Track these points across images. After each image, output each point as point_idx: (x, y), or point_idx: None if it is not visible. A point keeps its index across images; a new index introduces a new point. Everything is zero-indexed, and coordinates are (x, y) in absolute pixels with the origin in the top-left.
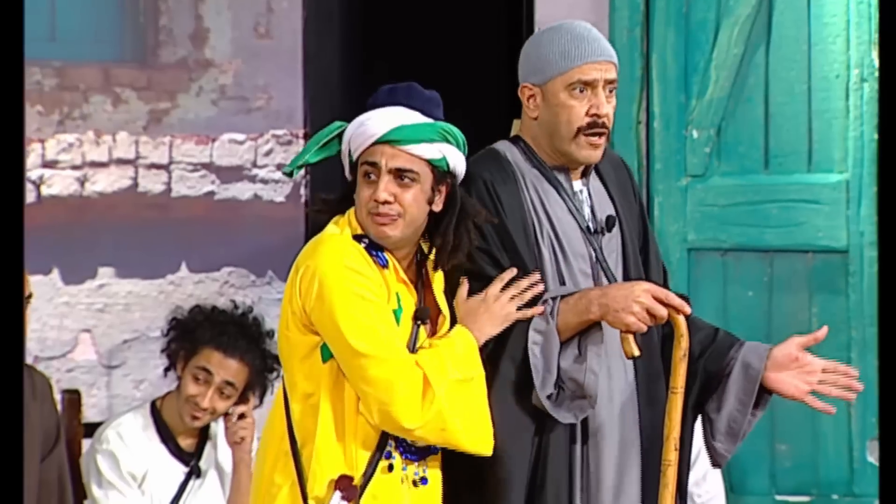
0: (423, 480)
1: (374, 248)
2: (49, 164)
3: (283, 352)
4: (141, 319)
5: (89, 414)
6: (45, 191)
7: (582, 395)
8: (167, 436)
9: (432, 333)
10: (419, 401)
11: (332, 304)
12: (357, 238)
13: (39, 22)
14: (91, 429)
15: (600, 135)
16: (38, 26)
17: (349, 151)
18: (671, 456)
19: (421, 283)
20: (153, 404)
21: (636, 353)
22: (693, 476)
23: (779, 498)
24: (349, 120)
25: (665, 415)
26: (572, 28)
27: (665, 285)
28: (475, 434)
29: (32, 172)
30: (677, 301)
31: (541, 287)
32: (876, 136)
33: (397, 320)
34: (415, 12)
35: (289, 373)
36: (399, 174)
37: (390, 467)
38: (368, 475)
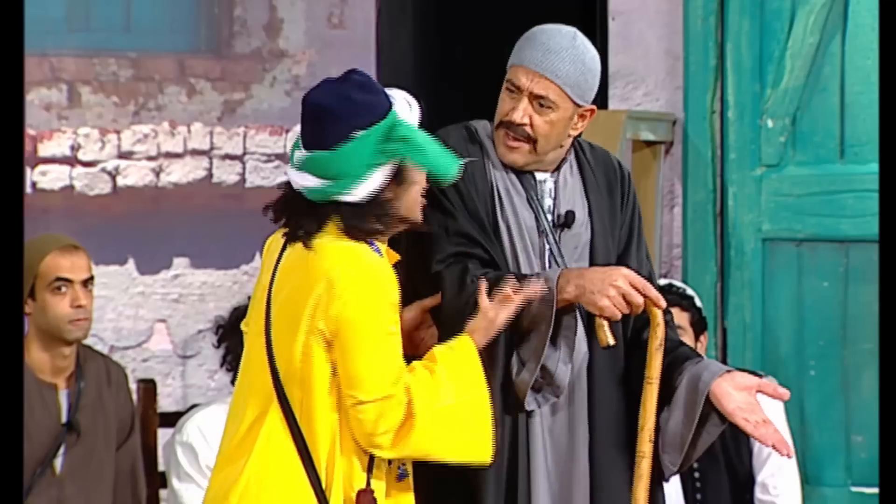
0: (403, 475)
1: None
2: (124, 155)
3: (296, 374)
4: (215, 309)
5: (164, 403)
6: (120, 182)
7: (549, 383)
8: None
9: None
10: (399, 434)
11: (363, 343)
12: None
13: (115, 13)
14: (166, 418)
15: (515, 138)
16: (114, 17)
17: None
18: (645, 447)
19: None
20: None
21: (611, 341)
22: (769, 468)
23: (854, 489)
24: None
25: (640, 405)
26: (541, 31)
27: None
28: (466, 451)
29: (108, 163)
30: (654, 293)
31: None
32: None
33: None
34: (488, 1)
35: (300, 393)
36: None
37: (401, 476)
38: (368, 479)
